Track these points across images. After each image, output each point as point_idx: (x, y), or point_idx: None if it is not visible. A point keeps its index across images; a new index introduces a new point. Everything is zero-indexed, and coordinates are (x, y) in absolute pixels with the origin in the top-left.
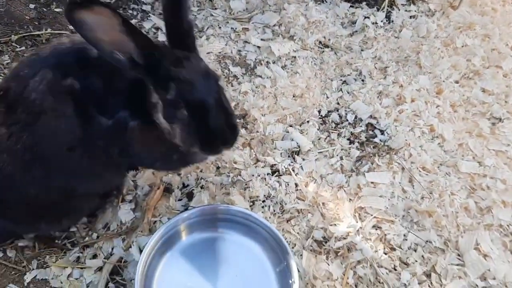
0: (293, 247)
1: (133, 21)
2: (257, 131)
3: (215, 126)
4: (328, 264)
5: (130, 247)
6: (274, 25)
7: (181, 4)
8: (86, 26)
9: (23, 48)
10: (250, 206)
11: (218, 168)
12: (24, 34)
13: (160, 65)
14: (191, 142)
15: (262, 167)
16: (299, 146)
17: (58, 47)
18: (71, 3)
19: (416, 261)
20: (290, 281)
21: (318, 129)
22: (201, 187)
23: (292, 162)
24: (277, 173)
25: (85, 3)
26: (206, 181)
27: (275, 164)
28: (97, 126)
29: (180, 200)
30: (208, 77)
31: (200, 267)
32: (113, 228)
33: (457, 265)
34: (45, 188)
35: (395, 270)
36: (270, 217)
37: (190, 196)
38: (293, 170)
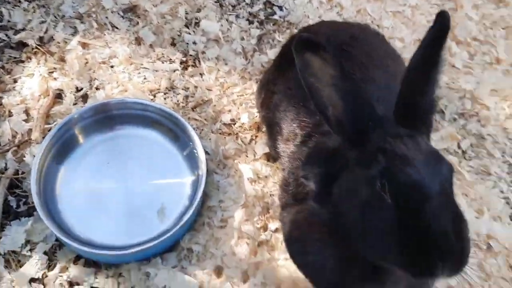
0: (200, 132)
1: None
2: (151, 23)
3: (435, 230)
4: (239, 143)
5: (24, 157)
6: None
7: (429, 77)
8: (310, 70)
9: None
10: (152, 99)
11: (112, 66)
12: None
13: (370, 137)
14: (388, 250)
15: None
16: (204, 33)
17: None
18: (305, 42)
19: None
20: (198, 162)
21: (216, 14)
22: (96, 88)
23: (195, 50)
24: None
25: (317, 46)
26: (101, 80)
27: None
28: None
29: (75, 104)
30: (437, 161)
31: (103, 167)
32: (4, 143)
33: None
34: None
35: None
36: (174, 107)
37: (85, 98)
38: (198, 59)
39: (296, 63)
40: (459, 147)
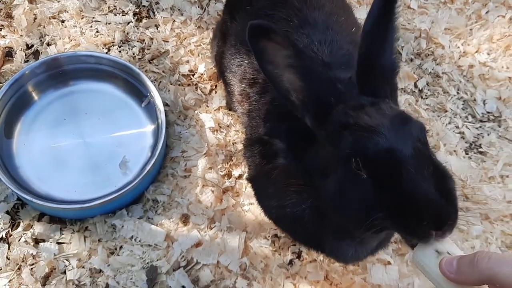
0: (159, 84)
1: None
2: None
3: (418, 195)
4: (198, 94)
5: None
6: None
7: (387, 37)
8: (267, 57)
9: None
10: (106, 53)
11: (63, 21)
12: None
13: (332, 113)
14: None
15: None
16: None
17: None
18: (256, 29)
19: None
20: (157, 112)
21: None
22: (48, 44)
23: (148, 1)
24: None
25: (268, 31)
26: (53, 36)
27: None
28: None
29: (26, 61)
30: (405, 123)
31: (60, 123)
32: None
33: None
34: None
35: None
36: (129, 60)
37: (36, 55)
38: (152, 10)
39: (253, 54)
40: (415, 86)
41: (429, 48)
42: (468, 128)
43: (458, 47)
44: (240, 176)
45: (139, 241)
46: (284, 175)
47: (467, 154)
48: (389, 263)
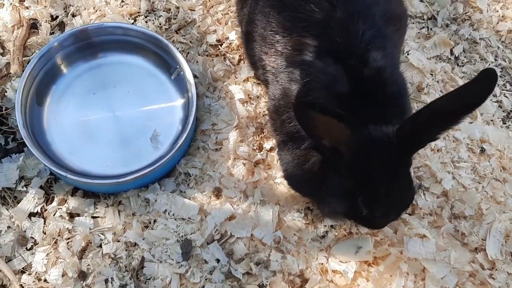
0: (186, 55)
1: None
2: None
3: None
4: (227, 64)
5: (5, 92)
6: None
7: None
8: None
9: None
10: (132, 23)
11: None
12: None
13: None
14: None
15: None
16: None
17: None
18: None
19: None
20: (187, 85)
21: None
22: (72, 15)
23: None
24: None
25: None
26: (77, 6)
27: None
28: None
29: (52, 33)
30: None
31: (89, 97)
32: None
33: None
34: None
35: None
36: (156, 31)
37: (61, 27)
38: None
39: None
40: (451, 53)
41: (466, 13)
42: (506, 97)
43: (497, 11)
44: (271, 149)
45: (173, 214)
46: (308, 158)
47: (504, 123)
48: (425, 236)
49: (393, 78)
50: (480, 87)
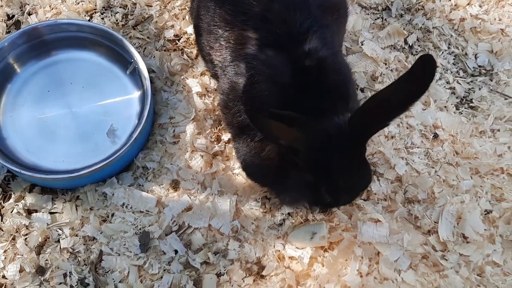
0: (144, 51)
1: None
2: None
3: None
4: (184, 59)
5: None
6: None
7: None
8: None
9: None
10: (88, 21)
11: None
12: None
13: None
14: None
15: None
16: None
17: None
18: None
19: None
20: (142, 79)
21: None
22: (28, 13)
23: None
24: None
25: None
26: (33, 5)
27: None
28: None
29: (8, 32)
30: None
31: (45, 95)
32: None
33: None
34: None
35: None
36: (113, 27)
37: (18, 25)
38: None
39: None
40: (405, 42)
41: (419, 3)
42: (459, 83)
43: (449, 0)
44: (229, 141)
45: (131, 208)
46: (264, 148)
47: (457, 109)
48: (379, 220)
49: (335, 66)
50: (421, 74)
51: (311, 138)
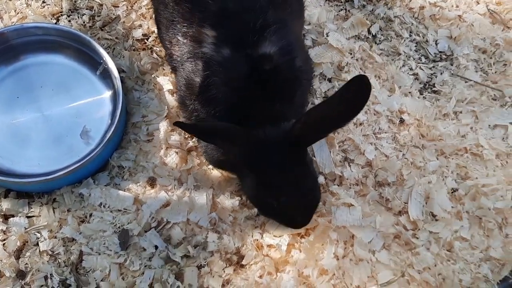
0: (113, 51)
1: None
2: None
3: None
4: (154, 57)
5: None
6: None
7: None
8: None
9: None
10: (55, 24)
11: None
12: None
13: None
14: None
15: None
16: None
17: None
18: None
19: None
20: (113, 79)
21: None
22: None
23: None
24: None
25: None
26: None
27: None
28: None
29: None
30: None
31: (16, 99)
32: None
33: None
34: None
35: None
36: (80, 29)
37: None
38: None
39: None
40: (369, 32)
41: None
42: (422, 69)
43: None
44: None
45: (108, 207)
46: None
47: (421, 94)
48: (352, 205)
49: (290, 70)
50: (353, 96)
51: (250, 149)
